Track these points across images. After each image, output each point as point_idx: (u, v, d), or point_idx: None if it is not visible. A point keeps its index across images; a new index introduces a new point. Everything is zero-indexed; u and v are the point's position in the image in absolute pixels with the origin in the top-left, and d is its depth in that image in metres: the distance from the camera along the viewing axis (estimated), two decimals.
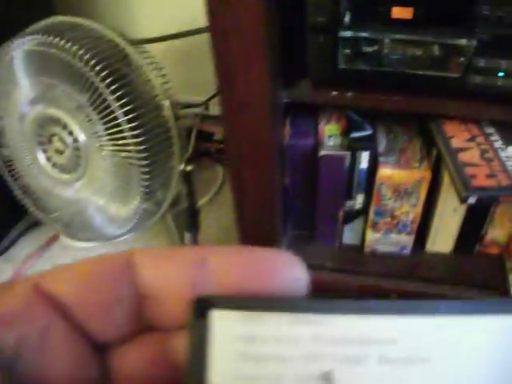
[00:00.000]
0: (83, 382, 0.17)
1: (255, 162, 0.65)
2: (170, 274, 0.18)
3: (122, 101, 0.76)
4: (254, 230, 0.73)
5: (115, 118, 0.77)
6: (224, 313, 0.17)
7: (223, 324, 0.17)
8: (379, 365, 0.17)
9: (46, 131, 0.86)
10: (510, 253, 0.73)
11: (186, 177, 0.83)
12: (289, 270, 0.18)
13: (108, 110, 0.76)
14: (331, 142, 0.67)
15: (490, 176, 0.60)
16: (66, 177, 0.89)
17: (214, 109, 1.17)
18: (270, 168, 0.65)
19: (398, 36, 0.60)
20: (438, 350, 0.18)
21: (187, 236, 0.87)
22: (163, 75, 0.84)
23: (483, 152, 0.64)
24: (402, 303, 0.18)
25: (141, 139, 0.77)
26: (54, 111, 0.82)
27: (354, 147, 0.66)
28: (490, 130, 0.68)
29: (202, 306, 0.17)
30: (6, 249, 1.10)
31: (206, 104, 1.16)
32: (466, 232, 0.73)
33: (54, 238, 1.11)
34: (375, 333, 0.17)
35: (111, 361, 0.18)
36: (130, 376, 0.18)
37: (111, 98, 0.75)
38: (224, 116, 0.62)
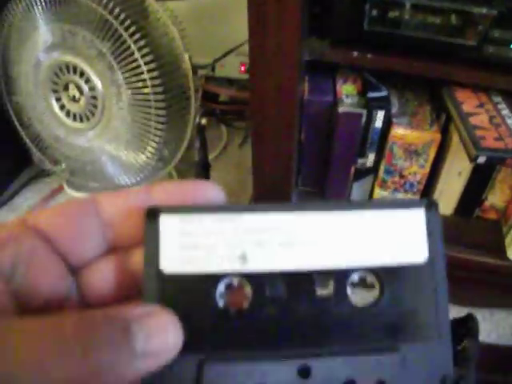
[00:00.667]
0: (62, 294, 0.23)
1: (278, 118, 0.67)
2: (124, 203, 0.24)
3: (144, 50, 0.78)
4: (268, 184, 0.76)
5: (136, 67, 0.78)
6: (169, 216, 0.23)
7: (168, 224, 0.23)
8: (281, 247, 0.23)
9: (61, 79, 0.87)
10: (507, 218, 0.77)
11: (200, 130, 0.85)
12: (210, 192, 0.24)
13: (130, 59, 0.78)
14: (349, 100, 0.69)
15: (498, 139, 0.64)
16: (79, 125, 0.91)
17: (220, 70, 1.18)
18: (291, 123, 0.68)
19: (421, 1, 0.62)
20: (326, 236, 0.24)
21: None
22: (182, 29, 0.85)
23: (491, 118, 0.68)
24: (298, 204, 0.24)
25: (160, 89, 0.79)
26: (71, 58, 0.83)
27: (371, 106, 0.69)
28: (498, 98, 0.71)
29: (152, 213, 0.23)
30: (9, 199, 1.10)
31: (212, 65, 1.18)
32: (467, 196, 0.77)
33: (59, 190, 1.12)
34: (276, 224, 0.23)
35: (83, 278, 0.23)
36: (100, 289, 0.23)
37: (134, 46, 0.77)
38: (251, 69, 0.64)
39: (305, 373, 0.23)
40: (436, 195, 0.77)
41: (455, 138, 0.71)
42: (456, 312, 0.48)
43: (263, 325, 0.23)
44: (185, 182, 0.24)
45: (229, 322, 0.23)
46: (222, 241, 0.23)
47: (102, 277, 0.24)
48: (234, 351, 0.23)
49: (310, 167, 0.79)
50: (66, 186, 1.12)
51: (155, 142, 0.86)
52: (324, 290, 0.24)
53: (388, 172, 0.74)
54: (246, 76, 1.08)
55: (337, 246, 0.24)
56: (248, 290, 0.23)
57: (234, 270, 0.23)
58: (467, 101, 0.70)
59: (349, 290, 0.24)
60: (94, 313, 0.20)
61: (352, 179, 0.77)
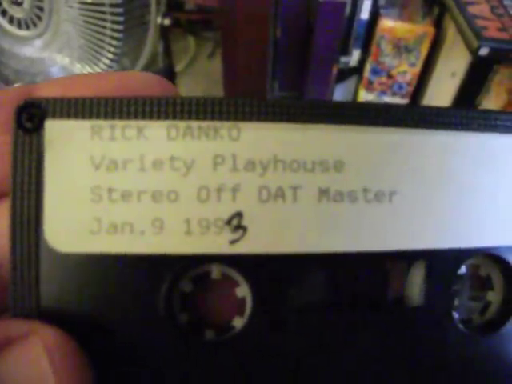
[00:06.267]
0: None
1: (250, 10, 0.58)
2: None
3: None
4: (241, 92, 0.67)
5: None
6: (67, 124, 0.10)
7: (67, 142, 0.10)
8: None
9: None
10: None
11: (163, 33, 0.75)
12: (155, 89, 0.14)
13: None
14: None
15: (502, 29, 0.56)
16: (25, 33, 0.80)
17: None
18: (265, 16, 0.59)
19: None
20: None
21: None
22: None
23: (493, 8, 0.60)
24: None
25: None
26: None
27: None
28: None
29: (30, 116, 0.10)
30: None
31: None
32: (460, 100, 0.69)
33: None
34: (313, 152, 0.13)
35: None
36: None
37: None
38: None
39: None
40: (426, 99, 0.70)
41: (449, 35, 0.63)
42: None
43: (269, 371, 0.11)
44: (103, 74, 0.14)
45: (194, 360, 0.11)
46: (189, 185, 0.11)
47: None
48: None
49: (287, 69, 0.70)
50: None
51: (112, 46, 0.76)
52: (402, 293, 0.12)
53: (374, 72, 0.66)
54: None
55: (434, 207, 0.12)
56: (244, 290, 0.11)
57: (218, 251, 0.11)
58: None
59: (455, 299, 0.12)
60: None
61: (334, 80, 0.68)
